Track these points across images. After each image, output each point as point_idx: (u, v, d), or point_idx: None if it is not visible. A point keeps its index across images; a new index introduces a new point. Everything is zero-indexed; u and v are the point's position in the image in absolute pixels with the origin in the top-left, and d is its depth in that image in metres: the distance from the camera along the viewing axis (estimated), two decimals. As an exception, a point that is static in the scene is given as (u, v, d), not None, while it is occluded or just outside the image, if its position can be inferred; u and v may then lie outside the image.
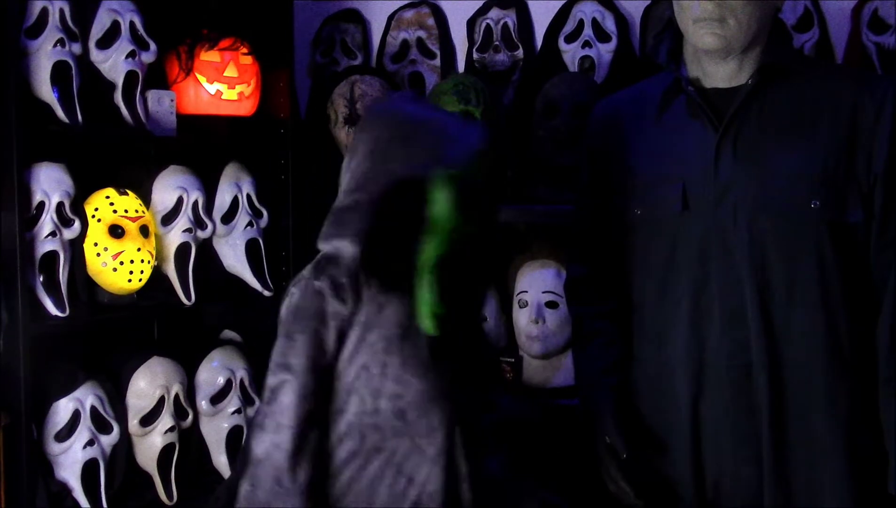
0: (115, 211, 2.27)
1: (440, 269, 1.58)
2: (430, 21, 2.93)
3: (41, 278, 2.15)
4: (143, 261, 2.27)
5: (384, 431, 1.61)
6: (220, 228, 2.53)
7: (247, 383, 2.50)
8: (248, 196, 2.57)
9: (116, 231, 2.26)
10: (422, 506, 1.59)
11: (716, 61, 1.86)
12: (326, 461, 1.63)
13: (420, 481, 1.60)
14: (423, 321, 1.59)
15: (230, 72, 2.53)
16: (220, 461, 2.45)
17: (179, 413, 2.37)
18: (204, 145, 2.58)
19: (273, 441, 1.59)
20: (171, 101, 2.41)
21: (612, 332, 1.98)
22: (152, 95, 2.37)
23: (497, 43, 2.86)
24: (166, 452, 2.33)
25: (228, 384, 2.47)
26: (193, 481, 2.40)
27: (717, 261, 1.83)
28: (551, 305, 2.53)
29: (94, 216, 2.25)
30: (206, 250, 2.54)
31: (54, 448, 2.16)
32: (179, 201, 2.40)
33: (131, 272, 2.26)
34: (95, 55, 2.28)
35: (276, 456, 1.58)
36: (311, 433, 1.60)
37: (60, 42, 2.16)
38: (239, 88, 2.55)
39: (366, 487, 1.62)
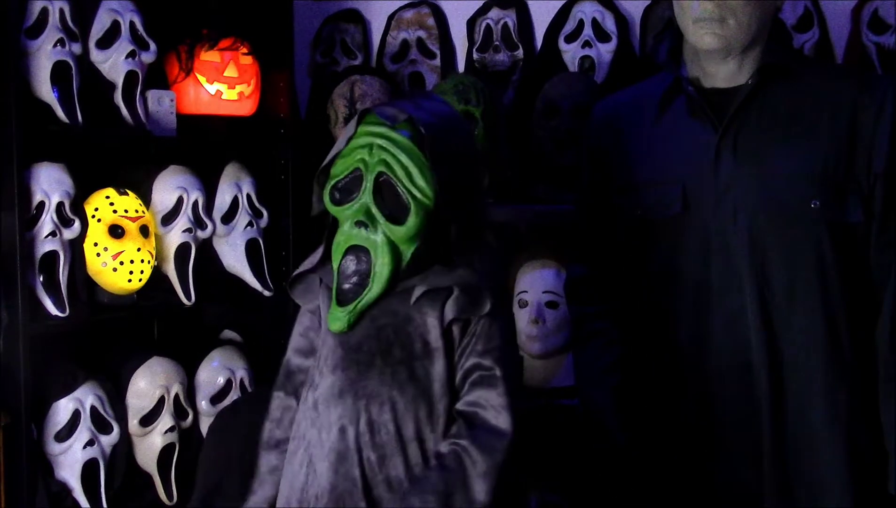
0: (115, 211, 2.27)
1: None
2: (430, 21, 2.93)
3: (41, 278, 2.15)
4: (143, 261, 2.27)
5: (307, 420, 1.66)
6: (220, 228, 2.53)
7: (247, 383, 2.50)
8: (248, 196, 2.57)
9: (116, 231, 2.26)
10: (308, 498, 1.63)
11: (716, 61, 1.86)
12: None
13: (318, 474, 1.63)
14: (331, 325, 1.64)
15: (230, 72, 2.53)
16: (220, 461, 2.45)
17: (179, 413, 2.37)
18: (204, 145, 2.58)
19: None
20: (171, 101, 2.42)
21: (612, 332, 1.98)
22: (152, 95, 2.37)
23: (497, 43, 2.86)
24: (166, 452, 2.34)
25: (228, 384, 2.47)
26: (193, 481, 2.39)
27: (717, 261, 1.83)
28: (551, 305, 2.53)
29: (94, 216, 2.25)
30: (206, 250, 2.54)
31: (54, 447, 2.16)
32: (179, 201, 2.40)
33: (131, 272, 2.26)
34: (95, 55, 2.28)
35: None
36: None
37: (60, 42, 2.17)
38: (239, 88, 2.55)
39: (289, 472, 1.68)
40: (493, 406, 1.59)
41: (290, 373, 1.77)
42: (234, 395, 2.46)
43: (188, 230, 2.40)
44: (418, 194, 1.59)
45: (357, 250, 1.61)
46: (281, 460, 1.71)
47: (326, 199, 1.64)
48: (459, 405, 1.61)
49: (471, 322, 1.63)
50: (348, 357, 1.64)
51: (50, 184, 2.16)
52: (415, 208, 1.59)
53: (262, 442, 1.75)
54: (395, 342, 1.63)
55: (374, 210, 1.60)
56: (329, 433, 1.63)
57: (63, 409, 2.18)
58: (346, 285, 1.62)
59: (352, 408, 1.62)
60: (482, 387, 1.60)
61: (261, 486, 1.73)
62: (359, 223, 1.60)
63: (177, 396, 2.36)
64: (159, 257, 2.38)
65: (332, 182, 1.64)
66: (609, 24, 2.75)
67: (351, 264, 1.62)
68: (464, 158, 1.68)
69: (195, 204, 2.43)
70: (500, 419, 1.59)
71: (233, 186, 2.55)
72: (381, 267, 1.60)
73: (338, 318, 1.63)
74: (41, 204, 2.14)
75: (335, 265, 1.64)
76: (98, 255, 2.24)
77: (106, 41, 2.28)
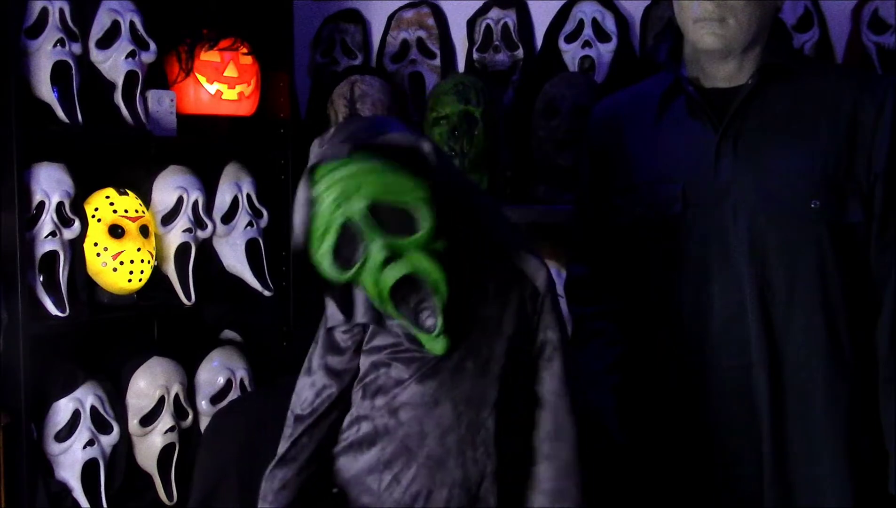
0: (115, 211, 2.27)
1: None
2: (430, 21, 2.93)
3: (41, 278, 2.15)
4: (143, 261, 2.28)
5: (377, 426, 1.61)
6: (220, 228, 2.53)
7: (247, 383, 2.50)
8: (248, 196, 2.57)
9: (116, 231, 2.26)
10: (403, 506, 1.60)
11: (716, 61, 1.86)
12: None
13: (405, 482, 1.60)
14: (433, 349, 1.58)
15: (230, 72, 2.53)
16: (220, 461, 2.45)
17: (179, 413, 2.37)
18: (204, 145, 2.58)
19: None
20: (171, 101, 2.42)
21: (612, 332, 1.98)
22: (152, 94, 2.38)
23: (497, 43, 2.86)
24: (166, 452, 2.34)
25: (228, 383, 2.47)
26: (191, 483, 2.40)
27: (717, 261, 1.83)
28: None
29: (94, 216, 2.25)
30: (206, 250, 2.54)
31: (54, 447, 2.16)
32: (179, 200, 2.40)
33: (131, 272, 2.26)
34: (95, 55, 2.28)
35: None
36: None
37: (60, 42, 2.17)
38: (239, 88, 2.55)
39: (353, 477, 1.63)
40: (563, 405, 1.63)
41: (321, 415, 1.65)
42: (234, 395, 2.46)
43: (188, 230, 2.40)
44: (409, 197, 1.51)
45: (401, 283, 1.52)
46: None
47: (335, 275, 1.53)
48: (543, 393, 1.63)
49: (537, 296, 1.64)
50: (437, 365, 1.59)
51: (50, 184, 2.16)
52: (418, 208, 1.51)
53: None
54: (482, 341, 1.60)
55: (390, 239, 1.50)
56: (423, 441, 1.59)
57: (63, 409, 2.18)
58: (422, 316, 1.55)
59: (451, 414, 1.59)
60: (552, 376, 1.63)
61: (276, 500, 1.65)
62: (386, 261, 1.50)
63: (177, 396, 2.36)
64: (159, 257, 2.38)
65: (328, 258, 1.52)
66: (609, 24, 2.75)
67: (410, 299, 1.54)
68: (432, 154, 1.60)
69: (195, 204, 2.43)
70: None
71: (233, 186, 2.55)
72: (432, 274, 1.51)
73: (436, 343, 1.55)
74: (41, 204, 2.14)
75: (393, 311, 1.54)
76: (98, 255, 2.24)
77: (106, 41, 2.28)
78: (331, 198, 1.51)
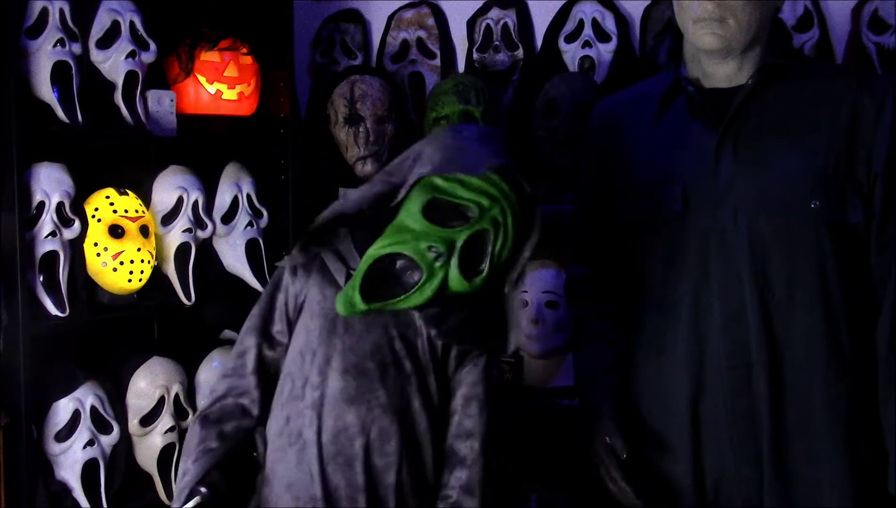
0: (115, 211, 2.27)
1: (379, 264, 1.59)
2: (430, 21, 2.93)
3: (41, 278, 2.15)
4: (143, 261, 2.27)
5: (304, 419, 1.64)
6: (220, 228, 2.53)
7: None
8: (248, 196, 2.57)
9: (116, 231, 2.26)
10: (305, 498, 1.63)
11: (716, 61, 1.86)
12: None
13: (317, 477, 1.62)
14: (337, 302, 1.60)
15: (230, 72, 2.53)
16: (220, 461, 2.44)
17: (179, 413, 2.37)
18: (204, 145, 2.58)
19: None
20: (171, 101, 2.41)
21: (612, 332, 1.98)
22: (152, 94, 2.37)
23: (497, 43, 2.86)
24: (166, 452, 2.33)
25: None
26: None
27: (717, 261, 1.83)
28: (551, 305, 2.53)
29: (94, 216, 2.25)
30: (206, 250, 2.54)
31: (54, 447, 2.16)
32: (179, 200, 2.40)
33: (131, 272, 2.26)
34: (95, 55, 2.28)
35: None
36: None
37: (60, 42, 2.17)
38: (239, 88, 2.55)
39: (285, 471, 1.65)
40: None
41: (261, 361, 1.72)
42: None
43: (188, 230, 2.40)
44: (496, 262, 1.59)
45: (412, 265, 1.58)
46: (218, 443, 1.69)
47: (420, 201, 1.59)
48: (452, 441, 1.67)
49: (470, 352, 1.66)
50: (361, 364, 1.63)
51: (50, 184, 2.16)
52: (487, 274, 1.59)
53: (203, 416, 1.72)
54: (407, 354, 1.64)
55: (459, 252, 1.57)
56: (337, 438, 1.62)
57: (63, 409, 2.17)
58: (379, 282, 1.58)
59: (365, 416, 1.62)
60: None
61: (195, 463, 1.68)
62: (436, 253, 1.57)
63: (177, 396, 2.36)
64: (159, 257, 2.38)
65: (434, 193, 1.59)
66: (609, 24, 2.75)
67: (400, 271, 1.58)
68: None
69: (195, 204, 2.43)
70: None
71: (233, 186, 2.55)
72: (424, 294, 1.57)
73: (351, 304, 1.58)
74: (41, 204, 2.14)
75: (374, 252, 1.58)
76: (98, 255, 2.24)
77: (106, 41, 2.28)
78: (497, 192, 1.60)
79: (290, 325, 1.71)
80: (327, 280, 1.67)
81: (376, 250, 1.59)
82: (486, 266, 1.58)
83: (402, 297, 1.58)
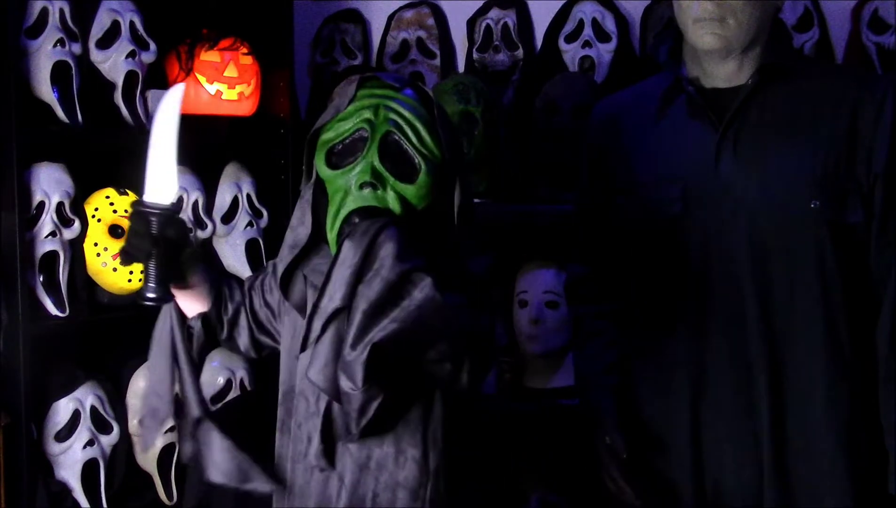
0: (115, 211, 2.27)
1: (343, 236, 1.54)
2: (430, 21, 2.93)
3: (41, 278, 2.15)
4: (143, 261, 2.27)
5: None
6: (220, 228, 2.53)
7: (247, 382, 2.50)
8: (248, 196, 2.57)
9: (116, 231, 2.26)
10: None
11: (716, 61, 1.86)
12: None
13: (349, 488, 1.59)
14: None
15: (230, 72, 2.53)
16: (220, 461, 2.44)
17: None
18: (204, 145, 2.57)
19: None
20: (172, 101, 2.41)
21: (612, 332, 1.98)
22: (152, 94, 2.37)
23: (497, 43, 2.86)
24: (166, 452, 2.33)
25: (229, 384, 2.47)
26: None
27: (717, 261, 1.83)
28: (551, 305, 2.53)
29: (94, 216, 2.25)
30: (206, 250, 2.53)
31: (54, 447, 2.17)
32: (179, 200, 2.40)
33: (131, 272, 2.26)
34: (95, 55, 2.28)
35: None
36: None
37: (60, 42, 2.17)
38: (239, 88, 2.55)
39: (316, 491, 1.61)
40: None
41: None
42: (233, 395, 2.46)
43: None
44: (427, 153, 1.54)
45: (365, 212, 1.51)
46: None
47: (321, 162, 1.56)
48: None
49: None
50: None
51: (50, 184, 2.16)
52: (425, 166, 1.54)
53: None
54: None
55: (382, 169, 1.52)
56: (363, 442, 1.57)
57: (63, 409, 2.18)
58: None
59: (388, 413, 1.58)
60: None
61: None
62: (365, 185, 1.51)
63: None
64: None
65: (328, 146, 1.56)
66: (609, 24, 2.75)
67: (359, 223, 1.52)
68: (455, 129, 1.66)
69: (195, 204, 2.43)
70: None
71: (233, 186, 2.55)
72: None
73: None
74: (41, 204, 2.14)
75: (334, 234, 1.53)
76: (98, 255, 2.25)
77: (106, 41, 2.28)
78: (363, 104, 1.56)
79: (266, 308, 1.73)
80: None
81: (331, 232, 1.55)
82: (418, 160, 1.53)
83: None
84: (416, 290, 1.41)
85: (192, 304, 1.70)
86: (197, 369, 1.66)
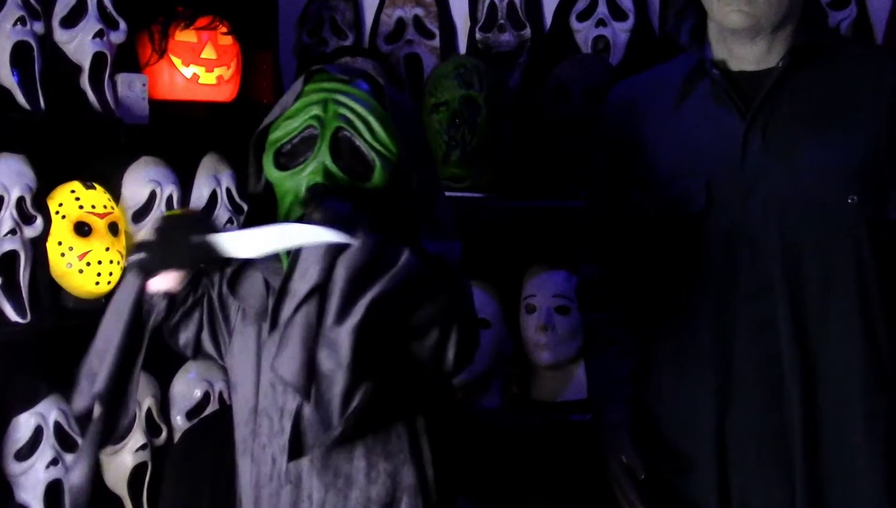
0: (81, 207, 2.27)
1: None
2: (429, -3, 2.94)
3: (0, 281, 2.15)
4: (111, 262, 2.27)
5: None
6: (198, 225, 2.53)
7: (226, 396, 2.49)
8: (228, 190, 2.57)
9: (83, 229, 2.26)
10: None
11: (743, 42, 1.86)
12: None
13: (318, 504, 1.61)
14: None
15: (208, 53, 2.53)
16: (198, 481, 2.45)
17: (152, 430, 2.36)
18: (179, 134, 2.57)
19: None
20: (143, 85, 2.41)
21: (627, 340, 1.98)
22: (122, 78, 2.37)
23: (502, 22, 2.86)
24: (137, 472, 2.33)
25: (206, 397, 2.47)
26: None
27: (745, 262, 1.83)
28: (562, 310, 2.53)
29: (57, 213, 2.25)
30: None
31: (14, 467, 2.16)
32: (152, 195, 2.39)
33: (99, 274, 2.26)
34: (59, 35, 2.27)
35: None
36: None
37: (21, 20, 2.16)
38: (217, 72, 2.55)
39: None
40: None
41: None
42: (212, 409, 2.46)
43: (162, 228, 2.40)
44: (381, 149, 1.57)
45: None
46: None
47: (269, 165, 1.59)
48: None
49: None
50: None
51: (9, 177, 2.16)
52: (379, 163, 1.57)
53: None
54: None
55: (334, 169, 1.55)
56: (329, 461, 1.60)
57: (24, 425, 2.17)
58: None
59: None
60: None
61: None
62: (314, 186, 1.55)
63: (149, 410, 2.36)
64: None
65: (276, 146, 1.59)
66: (626, 0, 2.76)
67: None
68: (416, 119, 1.69)
69: (169, 199, 2.42)
70: None
71: (211, 179, 2.55)
72: None
73: None
74: (0, 199, 2.14)
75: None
76: (62, 255, 2.24)
77: (71, 19, 2.28)
78: (312, 100, 1.59)
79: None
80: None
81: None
82: (372, 157, 1.57)
83: None
84: (400, 256, 1.43)
85: (163, 280, 1.66)
86: (138, 346, 1.66)
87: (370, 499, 1.59)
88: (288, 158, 1.59)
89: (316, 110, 1.58)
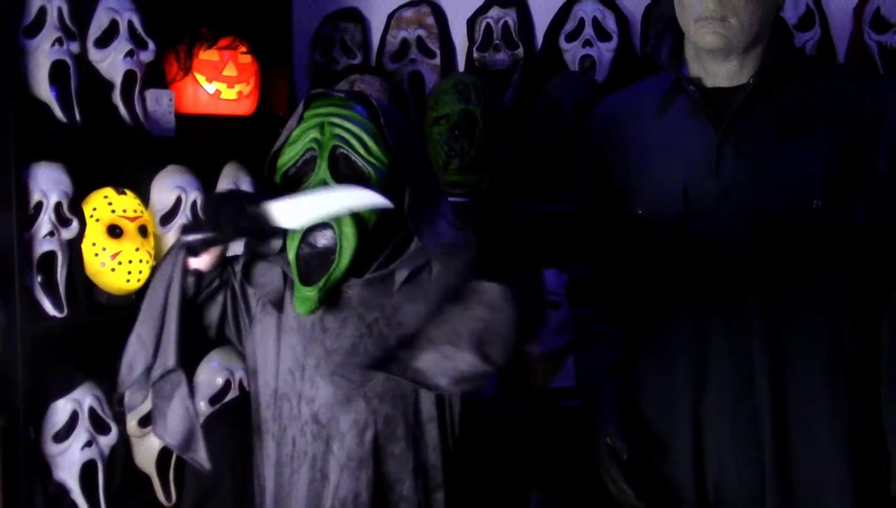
0: (113, 211, 2.27)
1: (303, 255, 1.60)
2: (430, 20, 2.93)
3: (39, 279, 2.15)
4: (141, 261, 2.27)
5: (306, 435, 1.62)
6: (219, 228, 2.53)
7: (246, 383, 2.49)
8: (248, 196, 2.57)
9: (115, 231, 2.26)
10: None
11: (717, 60, 1.86)
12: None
13: (334, 484, 1.61)
14: (296, 306, 1.61)
15: (229, 71, 2.53)
16: (219, 462, 2.45)
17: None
18: (202, 145, 2.57)
19: None
20: (170, 100, 2.41)
21: (614, 334, 1.98)
22: (151, 94, 2.37)
23: (497, 42, 2.86)
24: (165, 453, 2.34)
25: (227, 384, 2.47)
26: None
27: (719, 263, 1.82)
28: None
29: (92, 216, 2.25)
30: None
31: (52, 448, 2.16)
32: (178, 200, 2.40)
33: (129, 272, 2.26)
34: (94, 54, 2.28)
35: None
36: None
37: (59, 41, 2.16)
38: (238, 88, 2.55)
39: (303, 493, 1.64)
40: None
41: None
42: (232, 396, 2.46)
43: (187, 230, 2.40)
44: (375, 162, 1.60)
45: (318, 229, 1.59)
46: None
47: (277, 187, 1.63)
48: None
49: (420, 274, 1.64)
50: (347, 362, 1.62)
51: (48, 184, 2.16)
52: (375, 175, 1.59)
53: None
54: (389, 333, 1.62)
55: (333, 182, 1.59)
56: (343, 442, 1.61)
57: (61, 410, 2.17)
58: (312, 263, 1.59)
59: (365, 410, 1.61)
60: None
61: None
62: None
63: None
64: (158, 257, 2.37)
65: (282, 170, 1.63)
66: (610, 23, 2.76)
67: (314, 241, 1.59)
68: (409, 133, 1.71)
69: (194, 204, 2.42)
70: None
71: (231, 185, 2.55)
72: (347, 238, 1.58)
73: (307, 298, 1.59)
74: (39, 204, 2.14)
75: (293, 253, 1.60)
76: (96, 255, 2.24)
77: (104, 40, 2.28)
78: (310, 125, 1.62)
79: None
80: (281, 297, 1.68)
81: (290, 251, 1.61)
82: (368, 170, 1.59)
83: (336, 259, 1.58)
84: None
85: (200, 258, 1.69)
86: (186, 319, 1.66)
87: (381, 478, 1.60)
88: (294, 180, 1.63)
89: (314, 134, 1.61)
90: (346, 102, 1.64)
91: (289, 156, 1.63)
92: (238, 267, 1.73)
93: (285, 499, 1.65)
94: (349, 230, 1.58)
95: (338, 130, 1.60)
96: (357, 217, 1.58)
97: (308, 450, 1.63)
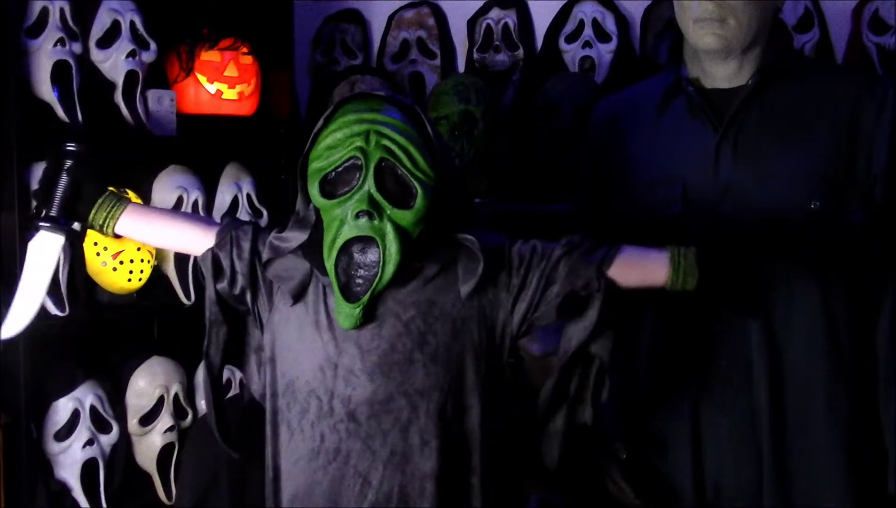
0: (115, 211, 2.27)
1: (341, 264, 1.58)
2: (431, 21, 2.93)
3: (41, 278, 2.15)
4: (142, 261, 2.28)
5: (340, 433, 1.61)
6: (220, 227, 2.53)
7: (246, 381, 2.50)
8: (248, 196, 2.57)
9: (116, 231, 2.26)
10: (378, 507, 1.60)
11: (716, 61, 1.86)
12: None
13: (375, 484, 1.60)
14: (339, 320, 1.59)
15: (230, 71, 2.53)
16: (220, 460, 2.45)
17: (179, 413, 2.37)
18: (204, 145, 2.57)
19: None
20: (172, 100, 2.42)
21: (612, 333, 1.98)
22: (152, 94, 2.38)
23: (497, 43, 2.86)
24: (166, 451, 2.34)
25: (228, 383, 2.47)
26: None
27: (718, 262, 1.83)
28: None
29: (93, 216, 2.25)
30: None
31: (54, 447, 2.16)
32: (179, 200, 2.40)
33: (131, 272, 2.26)
34: (96, 55, 2.28)
35: None
36: None
37: (61, 41, 2.17)
38: (239, 88, 2.55)
39: (328, 489, 1.62)
40: None
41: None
42: (233, 394, 2.46)
43: (188, 230, 2.40)
44: (422, 176, 1.56)
45: (361, 242, 1.55)
46: None
47: (315, 191, 1.57)
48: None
49: (503, 275, 1.66)
50: (386, 361, 1.59)
51: (50, 183, 2.16)
52: (421, 191, 1.55)
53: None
54: (427, 330, 1.60)
55: (379, 197, 1.54)
56: (385, 439, 1.59)
57: (62, 408, 2.17)
58: (356, 280, 1.56)
59: (407, 407, 1.59)
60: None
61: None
62: (361, 214, 1.53)
63: (176, 395, 2.36)
64: (159, 256, 2.38)
65: (321, 175, 1.57)
66: (609, 24, 2.76)
67: (358, 257, 1.55)
68: (442, 138, 1.68)
69: (195, 204, 2.43)
70: None
71: (233, 186, 2.55)
72: (392, 255, 1.54)
73: (350, 315, 1.56)
74: (41, 204, 2.14)
75: (331, 263, 1.56)
76: (98, 254, 2.25)
77: (106, 41, 2.28)
78: (353, 131, 1.56)
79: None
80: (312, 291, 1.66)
81: (328, 261, 1.57)
82: (414, 185, 1.55)
83: (378, 273, 1.55)
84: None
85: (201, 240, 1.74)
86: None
87: (426, 474, 1.59)
88: (333, 186, 1.57)
89: (359, 142, 1.55)
90: (391, 108, 1.59)
91: (329, 161, 1.57)
92: (264, 252, 1.69)
93: (308, 494, 1.63)
94: (394, 248, 1.54)
95: (385, 141, 1.55)
96: (402, 231, 1.55)
97: (341, 448, 1.60)
